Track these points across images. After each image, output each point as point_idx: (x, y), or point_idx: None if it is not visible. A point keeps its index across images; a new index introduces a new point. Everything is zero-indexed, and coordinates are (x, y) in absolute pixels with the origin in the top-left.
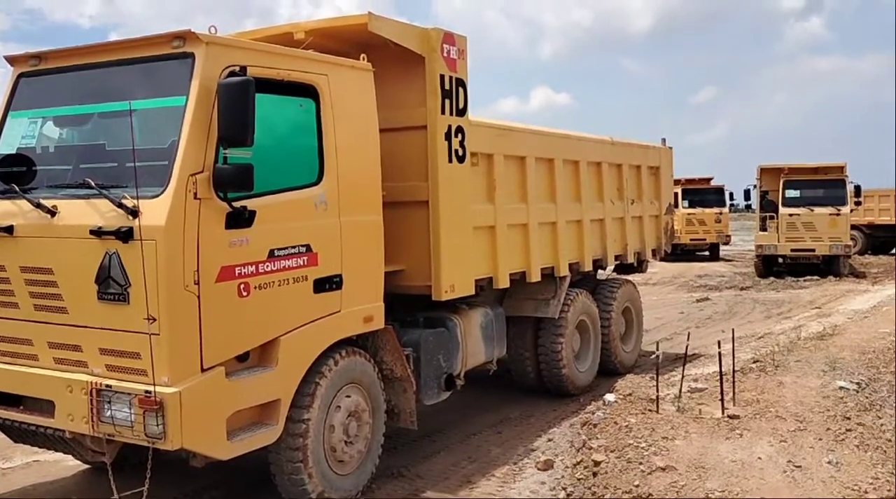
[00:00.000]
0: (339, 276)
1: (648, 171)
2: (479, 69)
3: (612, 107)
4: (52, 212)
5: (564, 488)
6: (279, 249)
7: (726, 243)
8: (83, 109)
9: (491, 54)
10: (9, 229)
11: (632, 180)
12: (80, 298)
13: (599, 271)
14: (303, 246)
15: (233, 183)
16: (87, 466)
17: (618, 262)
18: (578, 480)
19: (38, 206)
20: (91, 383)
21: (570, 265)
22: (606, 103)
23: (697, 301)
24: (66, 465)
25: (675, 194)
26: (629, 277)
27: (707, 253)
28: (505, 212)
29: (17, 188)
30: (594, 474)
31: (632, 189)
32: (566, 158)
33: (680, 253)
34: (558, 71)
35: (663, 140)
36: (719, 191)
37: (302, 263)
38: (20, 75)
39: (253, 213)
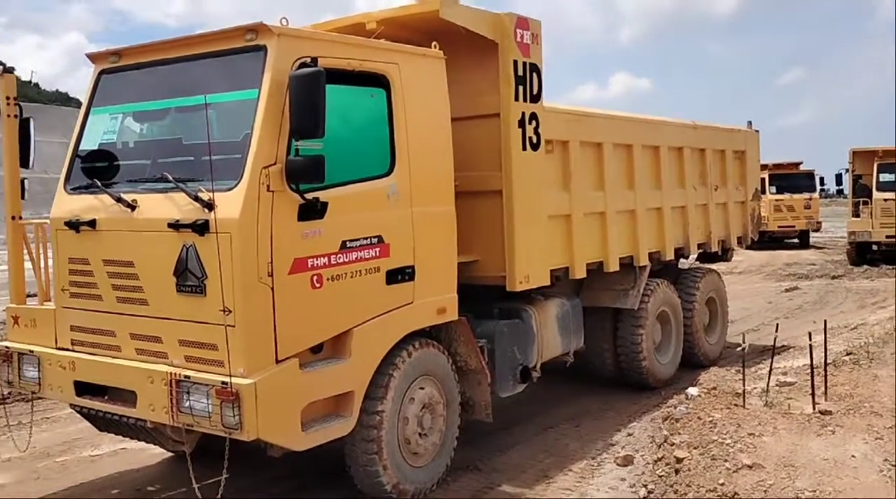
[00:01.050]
0: (412, 267)
1: (733, 155)
2: (557, 56)
3: (695, 91)
4: (133, 206)
5: (645, 485)
6: (351, 241)
7: (817, 230)
8: (160, 104)
9: (568, 41)
10: (92, 223)
11: (715, 166)
12: (160, 290)
13: (682, 260)
14: (375, 237)
15: (305, 175)
16: (170, 454)
17: (701, 250)
18: (660, 477)
19: (119, 200)
20: (171, 373)
21: (650, 254)
22: (689, 88)
23: (786, 291)
24: (151, 453)
25: (762, 180)
26: (713, 266)
27: (796, 240)
28: (581, 200)
29: (99, 183)
30: (676, 472)
31: (715, 175)
32: (645, 143)
33: (767, 241)
34: (638, 56)
35: (749, 123)
36: (809, 176)
37: (374, 255)
38: (101, 72)
39: (325, 204)
